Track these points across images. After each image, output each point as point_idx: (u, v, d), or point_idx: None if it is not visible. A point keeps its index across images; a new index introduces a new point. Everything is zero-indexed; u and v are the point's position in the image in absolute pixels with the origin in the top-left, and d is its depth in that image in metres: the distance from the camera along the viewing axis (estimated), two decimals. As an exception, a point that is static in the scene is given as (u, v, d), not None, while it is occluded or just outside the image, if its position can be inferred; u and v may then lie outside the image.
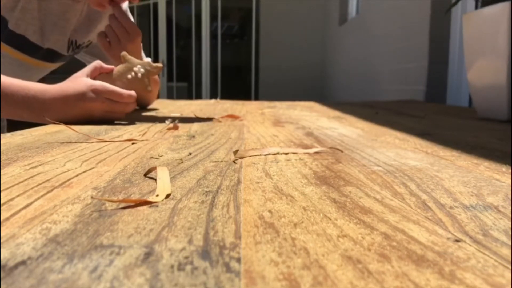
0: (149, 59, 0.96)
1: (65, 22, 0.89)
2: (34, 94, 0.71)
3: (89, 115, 0.73)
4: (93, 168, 0.37)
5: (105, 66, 0.78)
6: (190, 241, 0.20)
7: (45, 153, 0.44)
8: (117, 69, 0.79)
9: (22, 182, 0.31)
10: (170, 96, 5.03)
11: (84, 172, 0.35)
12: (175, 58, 5.00)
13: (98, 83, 0.73)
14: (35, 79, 0.94)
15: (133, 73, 0.78)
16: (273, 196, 0.29)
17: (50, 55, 0.92)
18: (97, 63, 0.77)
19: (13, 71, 0.85)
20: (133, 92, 0.75)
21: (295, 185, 0.32)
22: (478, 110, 0.99)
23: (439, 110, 1.24)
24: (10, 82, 0.71)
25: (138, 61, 0.80)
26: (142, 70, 0.78)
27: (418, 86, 2.24)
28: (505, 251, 0.20)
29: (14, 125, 0.88)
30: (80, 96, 0.71)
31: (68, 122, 0.69)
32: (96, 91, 0.72)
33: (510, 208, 0.27)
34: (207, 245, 0.20)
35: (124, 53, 0.80)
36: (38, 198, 0.27)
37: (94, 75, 0.76)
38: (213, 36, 5.07)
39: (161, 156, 0.44)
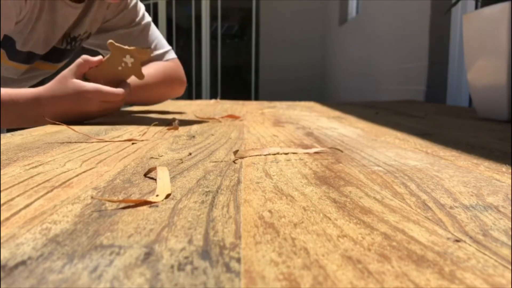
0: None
1: (66, 26, 0.89)
2: (25, 101, 0.71)
3: (85, 117, 0.74)
4: (93, 168, 0.37)
5: (92, 59, 0.75)
6: (190, 241, 0.20)
7: (45, 153, 0.44)
8: (106, 60, 0.77)
9: (22, 182, 0.31)
10: (170, 96, 5.02)
11: (84, 172, 0.35)
12: (175, 58, 4.99)
13: (91, 88, 0.72)
14: (41, 78, 0.95)
15: (123, 64, 0.77)
16: (273, 196, 0.29)
17: (51, 55, 0.92)
18: (82, 58, 0.75)
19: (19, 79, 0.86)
20: (122, 90, 0.74)
21: (295, 185, 0.32)
22: (478, 110, 0.99)
23: (439, 110, 1.24)
24: (1, 92, 0.70)
25: (126, 48, 0.77)
26: (131, 59, 0.77)
27: (418, 86, 2.24)
28: (505, 251, 0.20)
29: None
30: (76, 101, 0.71)
31: (65, 122, 0.69)
32: (91, 95, 0.71)
33: (510, 208, 0.27)
34: (207, 245, 0.20)
35: (110, 41, 0.77)
36: (38, 198, 0.27)
37: (83, 71, 0.74)
38: (213, 36, 5.07)
39: (161, 156, 0.44)
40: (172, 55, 1.03)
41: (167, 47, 1.03)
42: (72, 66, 0.74)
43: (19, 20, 0.78)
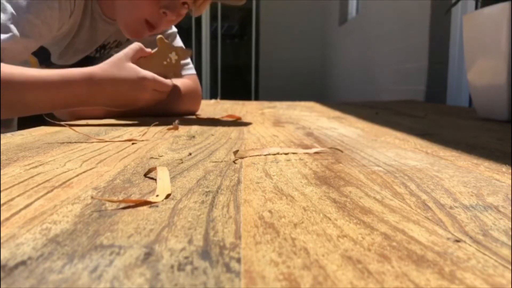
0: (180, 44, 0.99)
1: (102, 40, 0.90)
2: (79, 79, 0.69)
3: (135, 104, 0.74)
4: (93, 168, 0.37)
5: (145, 49, 0.77)
6: (190, 241, 0.20)
7: (45, 153, 0.44)
8: (155, 53, 0.80)
9: (22, 182, 0.31)
10: (170, 96, 5.01)
11: (84, 172, 0.35)
12: (175, 58, 4.99)
13: (149, 75, 0.73)
14: None
15: (168, 60, 0.80)
16: (273, 196, 0.29)
17: (80, 62, 0.93)
18: (138, 45, 0.76)
19: None
20: (171, 81, 0.77)
21: (295, 185, 0.32)
22: (478, 110, 0.99)
23: (439, 110, 1.24)
24: (48, 73, 0.68)
25: (173, 46, 0.81)
26: (175, 56, 0.81)
27: (418, 86, 2.24)
28: (505, 251, 0.20)
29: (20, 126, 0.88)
30: (133, 86, 0.71)
31: (113, 108, 0.71)
32: (147, 82, 0.72)
33: (510, 208, 0.27)
34: (207, 245, 0.20)
35: (160, 36, 0.80)
36: (38, 198, 0.27)
37: (136, 58, 0.75)
38: (213, 36, 5.07)
39: (161, 156, 0.44)
40: (191, 70, 1.02)
41: (187, 59, 1.03)
42: (128, 50, 0.74)
43: (58, 34, 0.79)
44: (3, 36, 0.67)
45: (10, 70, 0.65)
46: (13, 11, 0.68)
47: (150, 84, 0.73)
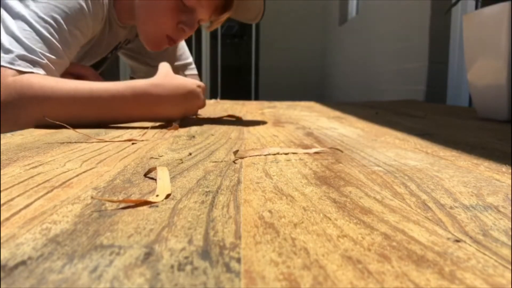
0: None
1: (115, 44, 0.92)
2: (145, 89, 0.70)
3: (189, 112, 0.77)
4: (93, 168, 0.37)
5: None
6: (190, 241, 0.20)
7: (45, 153, 0.44)
8: None
9: (22, 182, 0.31)
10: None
11: (84, 172, 0.35)
12: (175, 58, 4.99)
13: (199, 82, 0.77)
14: None
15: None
16: (273, 196, 0.29)
17: (98, 64, 0.95)
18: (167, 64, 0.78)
19: None
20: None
21: (295, 185, 0.32)
22: (478, 110, 0.99)
23: (439, 110, 1.24)
24: (114, 84, 0.70)
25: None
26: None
27: (418, 86, 2.24)
28: (505, 251, 0.20)
29: None
30: (192, 94, 0.74)
31: (167, 119, 0.72)
32: (199, 89, 0.75)
33: (510, 208, 0.27)
34: (207, 245, 0.20)
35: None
36: (38, 198, 0.27)
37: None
38: (213, 36, 5.07)
39: (161, 156, 0.44)
40: (194, 70, 1.06)
41: (190, 59, 1.06)
42: (169, 68, 0.75)
43: (88, 40, 0.81)
44: (53, 56, 0.69)
45: (82, 85, 0.68)
46: (54, 23, 0.69)
47: (202, 90, 0.76)
